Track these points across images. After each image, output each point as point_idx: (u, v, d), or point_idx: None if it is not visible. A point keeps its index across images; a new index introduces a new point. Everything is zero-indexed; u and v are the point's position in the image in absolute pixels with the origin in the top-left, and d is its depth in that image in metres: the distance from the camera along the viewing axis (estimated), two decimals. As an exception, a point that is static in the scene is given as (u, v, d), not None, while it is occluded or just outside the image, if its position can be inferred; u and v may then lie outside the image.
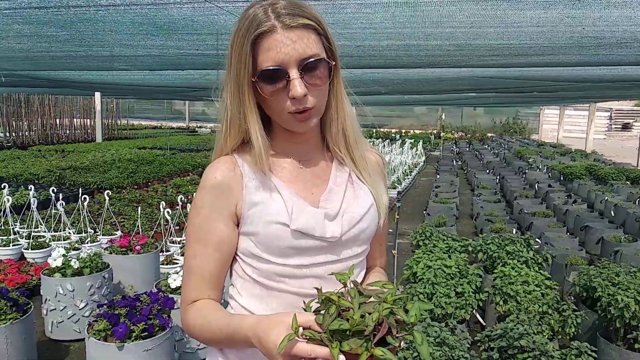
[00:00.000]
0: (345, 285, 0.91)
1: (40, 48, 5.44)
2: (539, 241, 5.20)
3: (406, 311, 0.85)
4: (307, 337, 0.86)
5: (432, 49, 5.02)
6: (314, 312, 0.90)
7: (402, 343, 0.85)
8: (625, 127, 29.55)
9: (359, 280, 1.18)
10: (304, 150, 1.15)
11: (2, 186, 5.73)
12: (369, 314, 0.83)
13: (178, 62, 6.67)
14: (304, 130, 1.07)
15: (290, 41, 0.98)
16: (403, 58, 5.82)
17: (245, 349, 1.04)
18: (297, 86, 0.99)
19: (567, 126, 24.47)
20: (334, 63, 1.06)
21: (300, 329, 0.86)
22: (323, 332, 0.84)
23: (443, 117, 24.85)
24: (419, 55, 5.48)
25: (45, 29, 4.41)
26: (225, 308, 1.13)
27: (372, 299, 0.87)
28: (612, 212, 7.12)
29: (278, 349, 0.84)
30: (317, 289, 0.91)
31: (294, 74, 0.99)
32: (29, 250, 4.98)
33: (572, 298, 3.81)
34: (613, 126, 29.73)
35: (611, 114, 29.44)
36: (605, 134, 28.39)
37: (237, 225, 1.11)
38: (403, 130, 27.34)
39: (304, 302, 0.94)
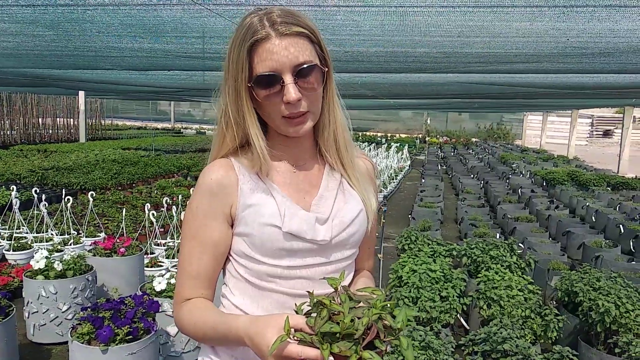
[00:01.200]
0: (336, 290, 0.93)
1: (26, 47, 5.38)
2: (522, 246, 5.27)
3: (393, 317, 0.88)
4: (299, 339, 0.88)
5: (420, 56, 5.07)
6: (305, 314, 0.92)
7: (389, 347, 0.89)
8: (607, 134, 30.10)
9: (348, 282, 1.21)
10: (298, 155, 1.18)
11: (-16, 186, 5.65)
12: (359, 318, 0.86)
13: (165, 63, 6.64)
14: (297, 134, 1.10)
15: (284, 48, 1.02)
16: (391, 64, 5.87)
17: (237, 347, 1.07)
18: (291, 90, 1.02)
19: (549, 132, 24.85)
20: (326, 69, 1.10)
21: (292, 330, 0.89)
22: (314, 335, 0.86)
23: (428, 121, 25.06)
24: (407, 62, 5.54)
25: (32, 28, 4.35)
26: (218, 307, 1.16)
27: (361, 304, 0.90)
28: (593, 218, 7.26)
29: (270, 350, 0.87)
30: (308, 292, 0.93)
31: (288, 79, 1.03)
32: (11, 252, 4.90)
33: (554, 303, 3.87)
34: (594, 133, 30.26)
35: (593, 120, 29.97)
36: (587, 141, 28.88)
37: (232, 226, 1.14)
38: (389, 134, 27.47)
39: (295, 304, 0.97)
